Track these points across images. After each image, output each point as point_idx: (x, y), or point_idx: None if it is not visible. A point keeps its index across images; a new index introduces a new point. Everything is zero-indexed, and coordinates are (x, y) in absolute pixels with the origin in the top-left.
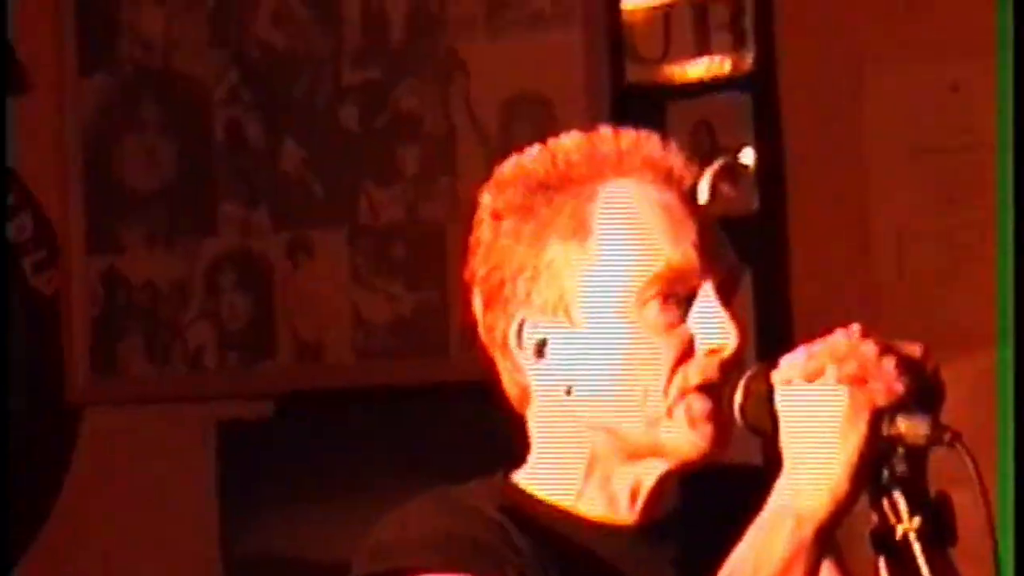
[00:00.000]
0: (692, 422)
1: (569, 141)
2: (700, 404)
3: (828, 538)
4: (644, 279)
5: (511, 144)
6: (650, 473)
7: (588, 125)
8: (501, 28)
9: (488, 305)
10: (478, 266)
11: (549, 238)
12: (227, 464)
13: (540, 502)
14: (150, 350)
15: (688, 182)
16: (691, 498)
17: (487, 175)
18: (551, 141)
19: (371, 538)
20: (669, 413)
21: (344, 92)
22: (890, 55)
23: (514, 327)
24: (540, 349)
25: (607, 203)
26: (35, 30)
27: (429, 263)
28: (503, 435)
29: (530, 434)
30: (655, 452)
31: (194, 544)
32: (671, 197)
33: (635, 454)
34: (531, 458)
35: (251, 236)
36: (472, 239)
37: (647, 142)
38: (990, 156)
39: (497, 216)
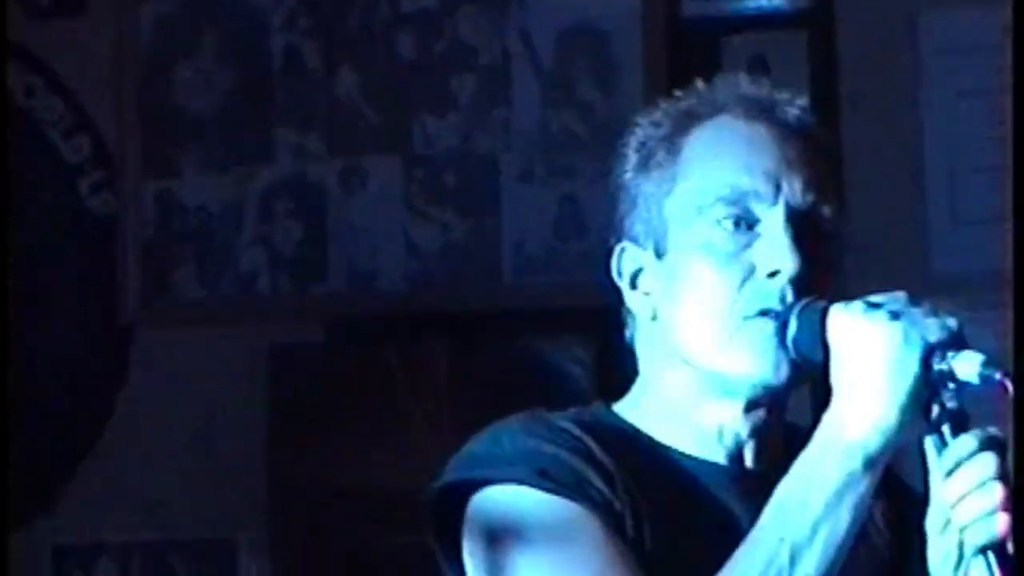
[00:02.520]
0: (751, 347)
1: (696, 85)
2: (758, 330)
3: (878, 469)
4: (711, 202)
5: (566, 76)
6: (734, 411)
7: (644, 59)
8: None
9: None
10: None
11: (651, 171)
12: (277, 387)
13: (636, 430)
14: (203, 273)
15: (786, 114)
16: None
17: (541, 106)
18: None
19: (465, 449)
20: (731, 338)
21: (401, 19)
22: None
23: (615, 256)
24: (634, 279)
25: (696, 137)
26: None
27: (482, 192)
28: (553, 361)
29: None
30: (725, 382)
31: (242, 466)
32: (759, 129)
33: (713, 388)
34: (633, 387)
35: (306, 162)
36: None
37: (748, 81)
38: None
39: (625, 153)
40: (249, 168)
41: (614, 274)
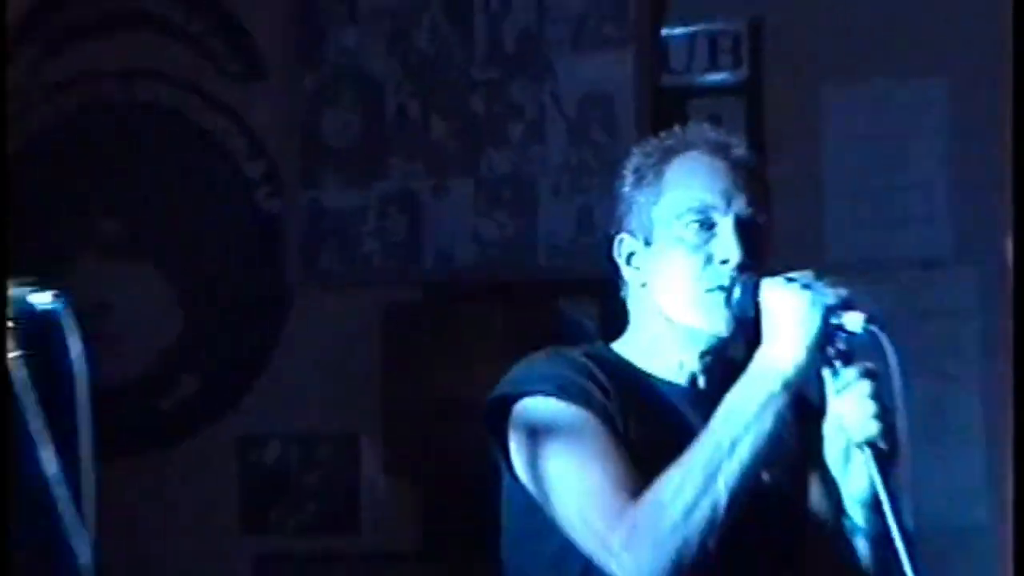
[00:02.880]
0: (708, 309)
1: (675, 129)
2: (712, 299)
3: (792, 390)
4: (684, 211)
5: (584, 125)
6: (694, 351)
7: (635, 114)
8: (581, 46)
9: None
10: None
11: (643, 187)
12: (388, 332)
13: (625, 361)
14: (339, 254)
15: (735, 153)
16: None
17: (566, 145)
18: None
19: (509, 374)
20: (695, 303)
21: (473, 85)
22: (842, 71)
23: (616, 243)
24: (629, 259)
25: (674, 165)
26: (269, 36)
27: (525, 202)
28: (572, 315)
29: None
30: (689, 332)
31: (365, 383)
32: (720, 163)
33: (680, 336)
34: (625, 332)
35: (409, 180)
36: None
37: (710, 129)
38: (917, 144)
39: (624, 174)
40: (371, 184)
41: (615, 255)
